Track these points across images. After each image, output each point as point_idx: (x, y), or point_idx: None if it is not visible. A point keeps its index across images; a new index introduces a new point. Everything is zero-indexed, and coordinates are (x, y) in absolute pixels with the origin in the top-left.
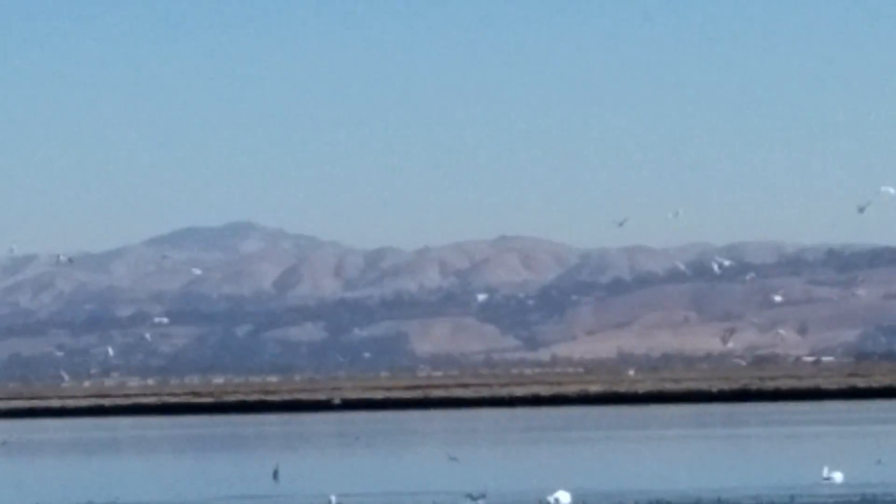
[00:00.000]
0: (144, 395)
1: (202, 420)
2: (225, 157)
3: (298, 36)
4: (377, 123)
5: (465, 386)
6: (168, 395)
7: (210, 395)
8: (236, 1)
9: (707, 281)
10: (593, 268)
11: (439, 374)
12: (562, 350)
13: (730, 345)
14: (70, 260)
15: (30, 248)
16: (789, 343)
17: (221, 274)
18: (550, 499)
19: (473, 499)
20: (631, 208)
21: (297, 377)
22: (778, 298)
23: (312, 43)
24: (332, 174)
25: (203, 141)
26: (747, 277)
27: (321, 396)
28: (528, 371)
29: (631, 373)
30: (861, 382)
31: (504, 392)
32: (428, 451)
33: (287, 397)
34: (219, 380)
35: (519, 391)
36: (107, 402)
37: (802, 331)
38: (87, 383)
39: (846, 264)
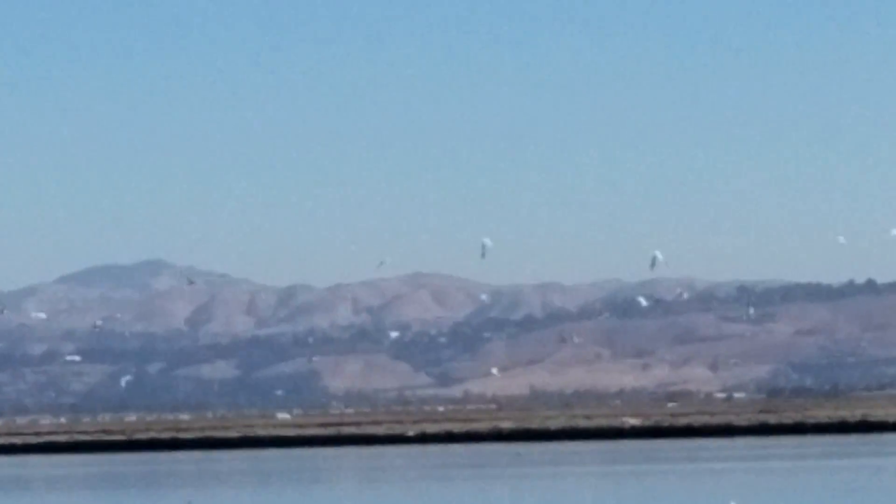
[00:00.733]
0: (56, 433)
1: (114, 458)
2: (137, 195)
3: (205, 75)
4: (288, 162)
5: (378, 423)
6: (80, 432)
7: (122, 432)
8: (136, 50)
9: (619, 318)
10: (505, 305)
11: (351, 411)
12: (474, 387)
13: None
14: None
15: None
16: (701, 379)
17: (133, 312)
18: None
19: None
20: (543, 245)
21: (210, 415)
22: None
23: (219, 83)
24: (243, 212)
25: (115, 179)
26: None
27: (234, 434)
28: (440, 408)
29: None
30: (772, 419)
31: (416, 429)
32: (341, 487)
33: (199, 434)
34: (131, 417)
35: (431, 428)
36: (17, 440)
37: (714, 367)
38: None
39: (758, 300)
